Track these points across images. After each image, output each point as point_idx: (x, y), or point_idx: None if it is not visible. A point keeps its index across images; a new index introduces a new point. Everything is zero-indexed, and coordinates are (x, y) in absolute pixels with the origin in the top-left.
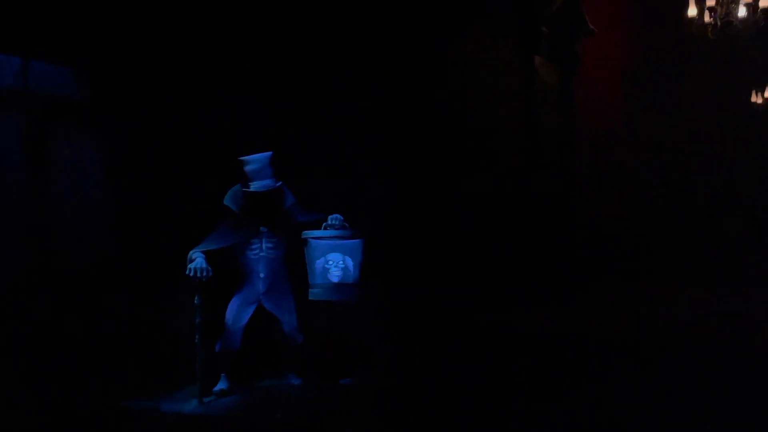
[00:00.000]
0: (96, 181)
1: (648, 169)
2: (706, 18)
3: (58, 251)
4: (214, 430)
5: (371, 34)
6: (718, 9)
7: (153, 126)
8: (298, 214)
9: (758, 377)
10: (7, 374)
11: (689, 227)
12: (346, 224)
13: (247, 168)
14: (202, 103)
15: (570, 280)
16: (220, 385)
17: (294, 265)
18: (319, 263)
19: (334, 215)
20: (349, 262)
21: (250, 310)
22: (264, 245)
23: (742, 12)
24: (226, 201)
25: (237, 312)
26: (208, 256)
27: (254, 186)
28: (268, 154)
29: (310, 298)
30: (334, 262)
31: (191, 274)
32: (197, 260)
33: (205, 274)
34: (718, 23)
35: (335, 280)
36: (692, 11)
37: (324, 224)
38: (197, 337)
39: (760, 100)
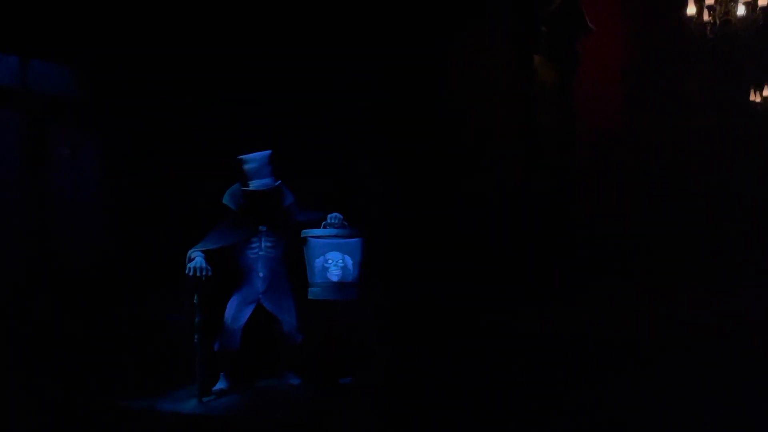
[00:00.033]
0: (95, 181)
1: (648, 168)
2: (705, 16)
3: (58, 251)
4: (213, 430)
5: (371, 34)
6: (717, 7)
7: (152, 125)
8: (297, 213)
9: (758, 377)
10: (6, 374)
11: (689, 227)
12: (346, 223)
13: (246, 167)
14: (201, 103)
15: (570, 280)
16: (219, 385)
17: (293, 264)
18: (318, 262)
19: (334, 214)
20: (349, 261)
21: (250, 310)
22: (263, 244)
23: (741, 10)
24: (225, 200)
25: (236, 311)
26: (208, 255)
27: (253, 185)
28: (267, 152)
29: (309, 297)
30: (333, 261)
31: (190, 274)
32: (196, 259)
33: (204, 273)
34: (717, 22)
35: (335, 279)
36: (691, 10)
37: (323, 223)
38: (196, 336)
39: (758, 99)
